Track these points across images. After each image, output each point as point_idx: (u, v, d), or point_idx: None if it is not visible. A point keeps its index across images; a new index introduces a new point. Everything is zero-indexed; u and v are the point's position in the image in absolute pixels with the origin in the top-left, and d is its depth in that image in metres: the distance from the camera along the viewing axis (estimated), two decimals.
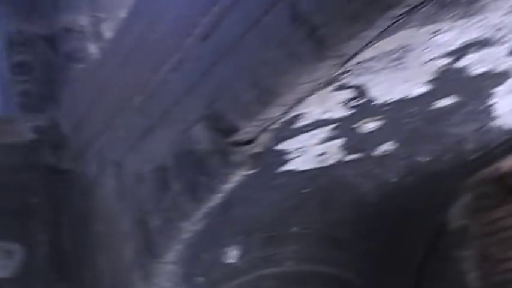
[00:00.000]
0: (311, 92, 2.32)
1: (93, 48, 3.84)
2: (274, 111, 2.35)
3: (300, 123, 2.62)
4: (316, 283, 3.67)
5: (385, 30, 1.95)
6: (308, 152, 2.92)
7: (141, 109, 2.96)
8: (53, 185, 3.67)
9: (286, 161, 2.95)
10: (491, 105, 2.71)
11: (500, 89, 2.62)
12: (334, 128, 2.74)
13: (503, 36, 2.26)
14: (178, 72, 2.61)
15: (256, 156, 2.55)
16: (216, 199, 2.72)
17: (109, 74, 3.21)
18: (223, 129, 2.48)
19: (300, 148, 2.86)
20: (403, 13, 1.89)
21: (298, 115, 2.53)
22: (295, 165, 3.00)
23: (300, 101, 2.33)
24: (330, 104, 2.53)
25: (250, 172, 2.58)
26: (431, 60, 2.26)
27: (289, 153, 2.87)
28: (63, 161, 3.67)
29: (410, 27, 2.01)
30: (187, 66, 2.55)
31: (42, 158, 3.64)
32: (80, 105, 3.54)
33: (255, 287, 3.68)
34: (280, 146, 2.78)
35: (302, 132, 2.71)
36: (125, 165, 3.19)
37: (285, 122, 2.52)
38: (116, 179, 3.27)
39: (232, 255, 3.57)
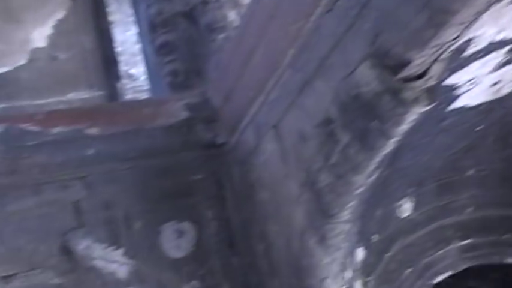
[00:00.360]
0: (487, 7, 2.01)
1: (232, 16, 3.67)
2: (447, 34, 2.06)
3: (472, 50, 2.31)
4: (501, 229, 3.34)
5: None
6: (480, 83, 2.62)
7: (294, 63, 2.74)
8: (212, 160, 3.54)
9: (456, 97, 2.66)
10: None
11: None
12: (510, 50, 2.42)
13: None
14: (332, 12, 2.37)
15: (430, 91, 2.27)
16: (389, 145, 2.46)
17: (255, 36, 3.01)
18: (391, 65, 2.21)
19: (471, 80, 2.56)
20: None
21: (469, 40, 2.23)
22: (466, 100, 2.70)
23: (475, 17, 2.03)
24: (505, 21, 2.21)
25: (425, 109, 2.29)
26: None
27: (459, 87, 2.57)
28: (219, 135, 3.53)
29: None
30: (342, 3, 2.30)
31: (198, 135, 3.52)
32: (228, 75, 3.38)
33: (434, 239, 3.41)
34: (450, 80, 2.48)
35: (474, 60, 2.40)
36: (284, 126, 2.99)
37: (455, 50, 2.23)
38: (276, 143, 3.08)
39: (406, 208, 3.32)
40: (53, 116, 3.44)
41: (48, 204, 3.32)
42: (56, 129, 3.35)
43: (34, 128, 3.33)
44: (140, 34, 4.37)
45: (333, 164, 2.68)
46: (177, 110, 3.52)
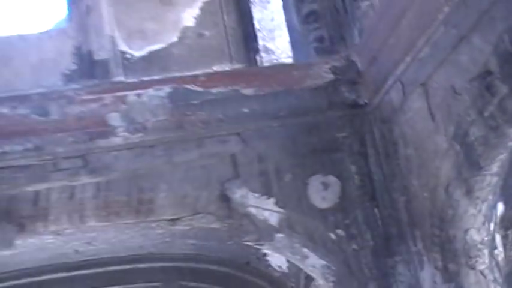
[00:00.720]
0: None
1: None
2: None
3: None
4: None
5: None
6: None
7: (449, 20, 2.51)
8: (355, 119, 3.36)
9: None
10: None
11: None
12: None
13: None
14: None
15: None
16: None
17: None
18: None
19: None
20: None
21: None
22: None
23: None
24: None
25: None
26: None
27: None
28: (361, 96, 3.34)
29: None
30: None
31: (342, 96, 3.35)
32: (374, 39, 3.17)
33: None
34: None
35: None
36: (433, 83, 2.77)
37: None
38: (423, 100, 2.85)
39: None
40: (213, 78, 3.37)
41: (209, 156, 3.26)
42: (216, 89, 3.27)
43: (197, 88, 3.27)
44: (284, 6, 4.23)
45: (488, 117, 2.44)
46: (323, 72, 3.35)
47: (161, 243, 4.67)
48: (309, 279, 4.53)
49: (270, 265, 4.81)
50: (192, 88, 3.27)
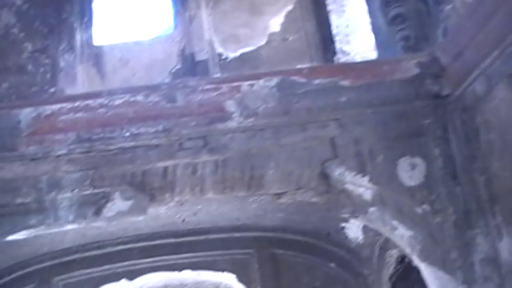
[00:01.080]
0: None
1: None
2: None
3: None
4: None
5: None
6: None
7: None
8: (438, 108, 3.28)
9: None
10: None
11: None
12: None
13: None
14: None
15: None
16: None
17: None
18: None
19: None
20: None
21: None
22: None
23: None
24: None
25: None
26: None
27: None
28: (444, 88, 3.25)
29: None
30: None
31: (427, 87, 3.27)
32: (459, 37, 3.07)
33: None
34: None
35: None
36: None
37: None
38: (510, 89, 2.74)
39: None
40: (315, 70, 3.35)
41: (311, 139, 3.24)
42: (317, 81, 3.25)
43: (301, 80, 3.25)
44: (370, 10, 4.16)
45: None
46: (410, 67, 3.28)
47: (255, 216, 4.68)
48: (383, 249, 4.46)
49: (347, 237, 4.76)
50: (297, 79, 3.26)
